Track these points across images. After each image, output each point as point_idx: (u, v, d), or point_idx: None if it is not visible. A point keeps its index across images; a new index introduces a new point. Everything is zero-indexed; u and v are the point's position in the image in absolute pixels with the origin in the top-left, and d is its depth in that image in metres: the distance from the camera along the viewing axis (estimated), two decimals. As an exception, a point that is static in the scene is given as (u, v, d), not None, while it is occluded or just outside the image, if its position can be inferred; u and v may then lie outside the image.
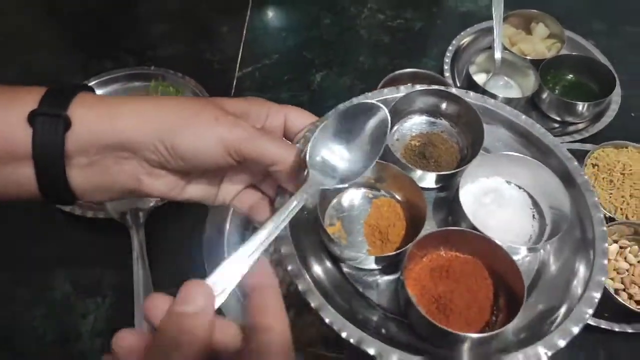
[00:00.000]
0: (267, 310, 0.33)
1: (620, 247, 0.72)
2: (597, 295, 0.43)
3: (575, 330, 0.41)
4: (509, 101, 0.85)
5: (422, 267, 0.46)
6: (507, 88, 0.91)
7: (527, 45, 0.95)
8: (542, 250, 0.49)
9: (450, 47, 0.98)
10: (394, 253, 0.45)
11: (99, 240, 0.75)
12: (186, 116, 0.43)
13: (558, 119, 0.90)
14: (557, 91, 0.91)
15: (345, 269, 0.49)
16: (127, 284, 0.67)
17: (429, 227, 0.49)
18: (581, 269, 0.46)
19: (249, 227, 0.73)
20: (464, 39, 1.00)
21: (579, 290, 0.44)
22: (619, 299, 0.66)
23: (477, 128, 0.52)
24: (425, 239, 0.44)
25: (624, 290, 0.69)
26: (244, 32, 1.04)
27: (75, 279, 0.72)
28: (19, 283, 0.71)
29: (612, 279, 0.70)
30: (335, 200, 0.51)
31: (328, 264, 0.49)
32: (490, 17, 0.92)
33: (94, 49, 1.01)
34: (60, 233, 0.76)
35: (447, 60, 0.96)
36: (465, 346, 0.41)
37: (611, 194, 0.76)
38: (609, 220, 0.72)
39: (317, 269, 0.47)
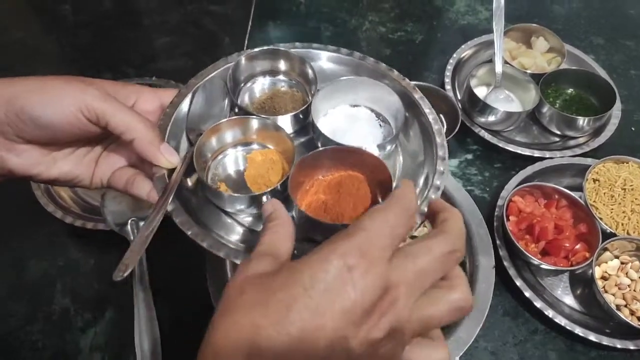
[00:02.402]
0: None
1: (622, 263, 0.72)
2: (442, 176, 0.51)
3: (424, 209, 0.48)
4: (509, 115, 0.86)
5: (309, 189, 0.51)
6: (508, 102, 0.91)
7: (528, 59, 0.96)
8: (399, 155, 0.57)
9: (451, 60, 0.98)
10: (280, 183, 0.48)
11: (99, 252, 0.75)
12: (35, 83, 0.43)
13: (559, 133, 0.90)
14: (557, 105, 0.91)
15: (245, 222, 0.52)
16: (127, 298, 0.67)
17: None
18: (427, 163, 0.54)
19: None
20: (465, 52, 1.01)
21: (428, 179, 0.52)
22: (621, 316, 0.65)
23: (309, 72, 0.58)
24: (302, 162, 0.49)
25: (625, 306, 0.68)
26: (245, 44, 1.04)
27: (74, 293, 0.71)
28: (18, 297, 0.71)
29: (613, 294, 0.69)
30: (212, 167, 0.54)
31: (228, 220, 0.51)
32: (490, 31, 0.92)
33: (95, 61, 1.02)
34: (60, 245, 0.75)
35: (448, 73, 0.96)
36: None
37: (612, 209, 0.76)
38: (610, 235, 0.72)
39: (219, 230, 0.49)
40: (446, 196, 0.70)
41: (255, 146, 0.55)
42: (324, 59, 0.62)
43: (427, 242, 0.32)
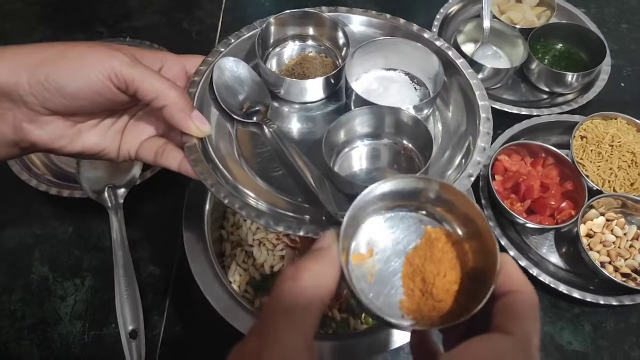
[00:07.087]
0: (513, 276, 0.32)
1: (607, 220, 0.72)
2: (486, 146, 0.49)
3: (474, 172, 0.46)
4: (497, 72, 0.83)
5: None
6: (496, 58, 0.89)
7: (517, 14, 0.92)
8: (437, 123, 0.54)
9: (437, 16, 0.95)
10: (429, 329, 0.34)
11: (77, 220, 0.73)
12: (60, 49, 0.40)
13: (547, 89, 0.88)
14: (546, 61, 0.89)
15: None
16: (107, 265, 0.66)
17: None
18: (470, 126, 0.51)
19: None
20: (452, 6, 0.97)
21: (469, 151, 0.49)
22: (605, 272, 0.65)
23: (341, 35, 0.55)
24: None
25: (609, 263, 0.68)
26: (224, 2, 1.00)
27: (53, 261, 0.70)
28: (-6, 266, 0.69)
29: (598, 251, 0.69)
30: (375, 219, 0.39)
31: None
32: (479, -16, 0.88)
33: (65, 20, 0.97)
34: (37, 214, 0.73)
35: (435, 29, 0.93)
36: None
37: (599, 166, 0.75)
38: (596, 193, 0.71)
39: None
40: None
41: (442, 221, 0.39)
42: (354, 22, 0.59)
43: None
